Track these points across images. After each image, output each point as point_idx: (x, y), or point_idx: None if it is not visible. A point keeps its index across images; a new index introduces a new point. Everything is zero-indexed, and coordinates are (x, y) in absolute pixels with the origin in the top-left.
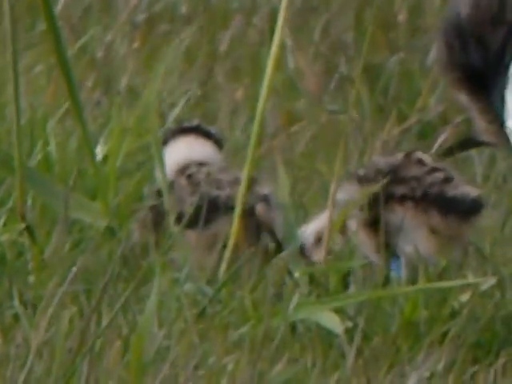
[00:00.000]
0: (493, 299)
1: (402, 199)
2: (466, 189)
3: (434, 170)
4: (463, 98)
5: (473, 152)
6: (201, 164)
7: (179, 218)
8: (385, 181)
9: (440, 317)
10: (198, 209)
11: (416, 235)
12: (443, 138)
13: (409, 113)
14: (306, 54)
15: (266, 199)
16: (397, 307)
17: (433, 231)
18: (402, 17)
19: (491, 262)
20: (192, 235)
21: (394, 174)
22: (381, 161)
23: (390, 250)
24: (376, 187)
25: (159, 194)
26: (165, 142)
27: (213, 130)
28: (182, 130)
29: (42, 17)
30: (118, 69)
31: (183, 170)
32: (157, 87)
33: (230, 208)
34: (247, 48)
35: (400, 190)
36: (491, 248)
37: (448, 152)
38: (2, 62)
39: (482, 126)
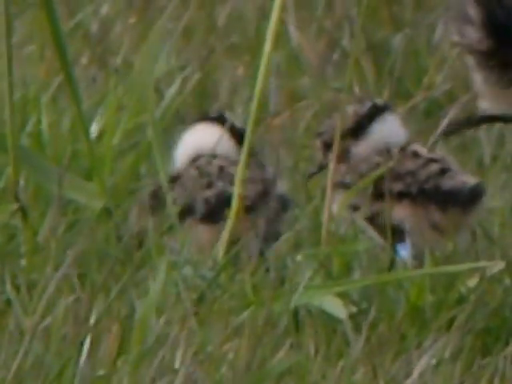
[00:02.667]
0: (502, 284)
1: (400, 196)
2: (462, 178)
3: (429, 161)
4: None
5: (481, 132)
6: (214, 156)
7: (187, 210)
8: (377, 175)
9: (447, 302)
10: (210, 205)
11: (417, 231)
12: (450, 116)
13: (415, 91)
14: (308, 30)
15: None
16: (402, 292)
17: (434, 226)
18: None
19: (500, 245)
20: (204, 230)
21: (390, 169)
22: (362, 166)
23: (395, 234)
24: (369, 180)
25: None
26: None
27: (237, 122)
28: (205, 119)
29: None
30: (114, 45)
31: (195, 159)
32: (152, 64)
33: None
34: (247, 23)
35: (397, 186)
36: (500, 231)
37: (454, 130)
38: None
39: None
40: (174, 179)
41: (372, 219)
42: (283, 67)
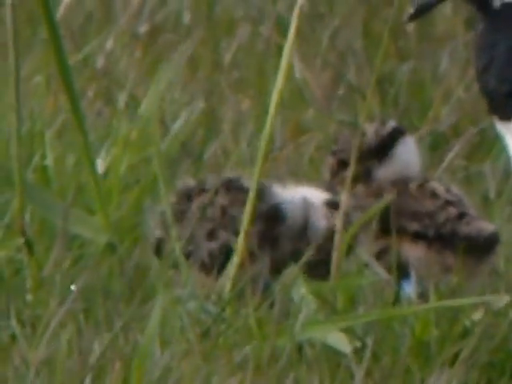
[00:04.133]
0: (507, 318)
1: (415, 237)
2: (480, 225)
3: (448, 203)
4: None
5: (486, 167)
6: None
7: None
8: (391, 198)
9: (451, 336)
10: (214, 257)
11: (429, 273)
12: (456, 149)
13: (420, 124)
14: (313, 63)
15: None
16: (407, 326)
17: (447, 269)
18: (411, 25)
19: (505, 278)
20: (205, 279)
21: (408, 207)
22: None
23: (400, 269)
24: (385, 202)
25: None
26: None
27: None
28: None
29: (42, 25)
30: (120, 79)
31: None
32: (159, 98)
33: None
34: (253, 58)
35: (413, 226)
36: (505, 264)
37: (413, 16)
38: (1, 71)
39: None
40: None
41: (379, 255)
42: (288, 100)
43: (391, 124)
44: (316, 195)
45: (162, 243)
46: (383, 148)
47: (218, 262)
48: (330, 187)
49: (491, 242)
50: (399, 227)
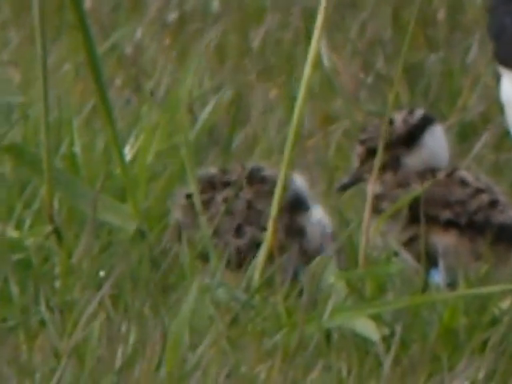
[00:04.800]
0: None
1: (447, 225)
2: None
3: (478, 191)
4: None
5: None
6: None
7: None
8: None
9: (480, 324)
10: (241, 253)
11: (461, 262)
12: (485, 139)
13: (448, 113)
14: (342, 53)
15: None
16: (436, 314)
17: (478, 257)
18: (441, 14)
19: None
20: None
21: (439, 195)
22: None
23: (430, 258)
24: (416, 192)
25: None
26: None
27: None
28: None
29: (70, 12)
30: (148, 67)
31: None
32: (187, 86)
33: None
34: (281, 46)
35: (445, 214)
36: None
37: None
38: (30, 59)
39: None
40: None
41: (408, 243)
42: (316, 89)
43: (420, 112)
44: None
45: (181, 227)
46: (412, 136)
47: (245, 259)
48: (358, 175)
49: None
50: (430, 216)
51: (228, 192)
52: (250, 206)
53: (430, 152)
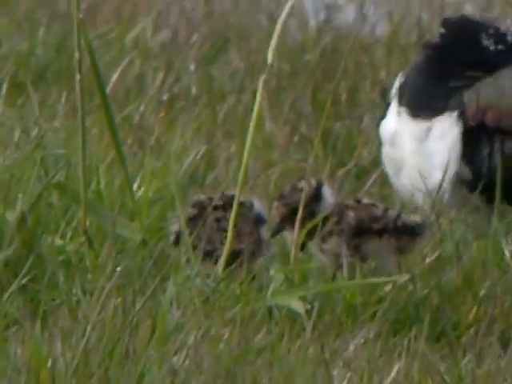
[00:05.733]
0: (406, 290)
1: (380, 232)
2: (413, 218)
3: (386, 208)
4: None
5: (393, 191)
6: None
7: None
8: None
9: (371, 302)
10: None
11: (389, 257)
12: (374, 178)
13: (349, 160)
14: (278, 121)
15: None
16: (341, 295)
17: (400, 252)
18: (343, 96)
19: (405, 263)
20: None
21: (367, 215)
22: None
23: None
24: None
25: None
26: None
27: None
28: None
29: (97, 95)
30: (149, 132)
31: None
32: (175, 144)
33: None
34: (236, 117)
35: (376, 225)
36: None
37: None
38: (73, 124)
39: None
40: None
41: (323, 252)
42: (260, 145)
43: (315, 181)
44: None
45: (179, 237)
46: (318, 195)
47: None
48: (280, 228)
49: (423, 228)
50: (365, 228)
51: (217, 213)
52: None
53: (327, 199)
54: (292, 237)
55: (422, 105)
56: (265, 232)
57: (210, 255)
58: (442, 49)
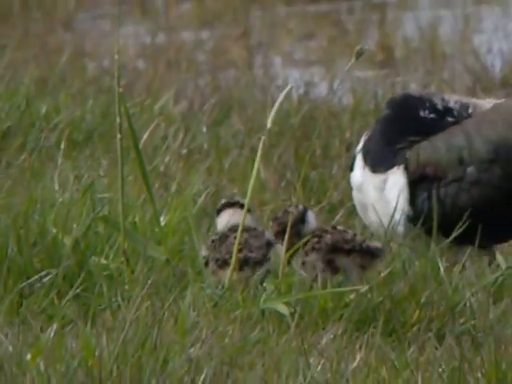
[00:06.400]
0: (366, 297)
1: (349, 252)
2: (375, 244)
3: (354, 235)
4: None
5: (356, 221)
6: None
7: (224, 262)
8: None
9: (339, 306)
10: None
11: (354, 271)
12: (341, 213)
13: (323, 199)
14: (269, 170)
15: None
16: (316, 300)
17: (363, 268)
18: (318, 150)
19: (365, 276)
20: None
21: (339, 238)
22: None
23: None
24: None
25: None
26: (218, 211)
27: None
28: (228, 204)
29: (132, 149)
30: (172, 178)
31: (230, 228)
32: (192, 188)
33: (256, 263)
34: (239, 167)
35: (346, 246)
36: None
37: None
38: (114, 174)
39: None
40: (217, 240)
41: (304, 264)
42: (257, 189)
43: (301, 206)
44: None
45: (207, 260)
46: (303, 218)
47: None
48: (275, 241)
49: (381, 253)
50: (338, 247)
51: (232, 238)
52: (246, 242)
53: (311, 222)
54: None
55: (379, 162)
56: (272, 254)
57: (225, 264)
58: (391, 120)
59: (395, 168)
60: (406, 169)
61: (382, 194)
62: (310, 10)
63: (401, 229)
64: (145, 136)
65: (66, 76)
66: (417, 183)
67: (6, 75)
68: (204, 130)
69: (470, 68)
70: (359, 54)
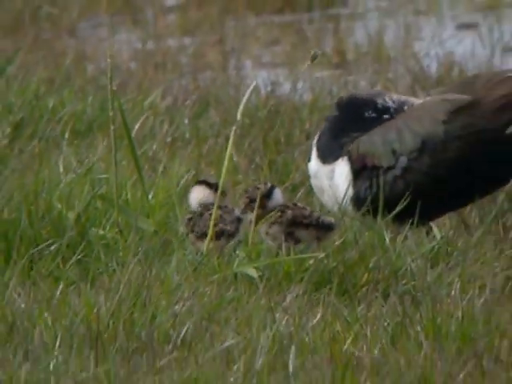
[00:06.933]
0: (323, 262)
1: (307, 226)
2: (328, 219)
3: (312, 211)
4: None
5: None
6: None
7: (203, 234)
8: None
9: (300, 270)
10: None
11: (312, 242)
12: (301, 192)
13: (286, 180)
14: (241, 155)
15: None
16: (281, 266)
17: (318, 239)
18: (282, 139)
19: (324, 246)
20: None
21: (299, 213)
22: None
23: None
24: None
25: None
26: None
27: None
28: (198, 182)
29: (125, 139)
30: (158, 162)
31: (201, 205)
32: (175, 170)
33: (230, 235)
34: (215, 153)
35: (305, 221)
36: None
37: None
38: (109, 159)
39: None
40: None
41: (268, 234)
42: (231, 170)
43: (269, 184)
44: None
45: (185, 231)
46: (269, 193)
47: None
48: (244, 211)
49: (332, 227)
50: (298, 222)
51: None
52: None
53: (276, 198)
54: (252, 219)
55: (328, 155)
56: (242, 227)
57: (204, 235)
58: (338, 119)
59: (340, 160)
60: (349, 159)
61: (331, 182)
62: (275, 20)
63: (349, 209)
64: (136, 127)
65: (70, 76)
66: (359, 171)
67: (19, 75)
68: (186, 121)
69: (411, 69)
70: (314, 58)
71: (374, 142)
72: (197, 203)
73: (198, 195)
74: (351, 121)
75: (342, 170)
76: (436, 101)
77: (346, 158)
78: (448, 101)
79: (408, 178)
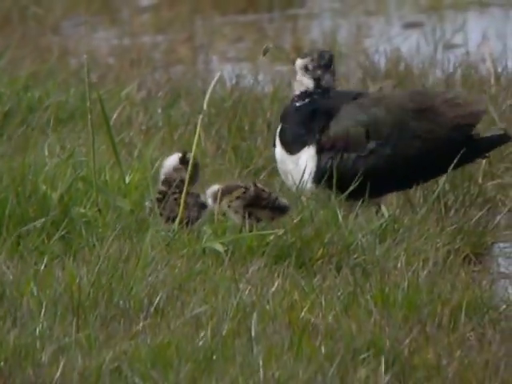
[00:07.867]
0: (282, 238)
1: (264, 207)
2: (284, 202)
3: (270, 194)
4: None
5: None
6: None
7: (168, 218)
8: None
9: (262, 245)
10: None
11: (269, 220)
12: (263, 175)
13: (250, 164)
14: (209, 141)
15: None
16: (245, 241)
17: (272, 219)
18: (246, 127)
19: (283, 222)
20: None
21: (263, 197)
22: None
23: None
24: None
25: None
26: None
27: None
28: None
29: (104, 126)
30: (134, 147)
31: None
32: (149, 155)
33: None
34: (185, 139)
35: (263, 202)
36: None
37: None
38: (88, 144)
39: None
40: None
41: (229, 207)
42: (199, 154)
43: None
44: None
45: (151, 210)
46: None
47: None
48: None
49: (287, 209)
50: (257, 204)
51: (176, 195)
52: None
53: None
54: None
55: (293, 147)
56: (205, 213)
57: (171, 219)
58: (298, 113)
59: (306, 147)
60: (318, 143)
61: (297, 167)
62: (239, 19)
63: (309, 186)
64: (114, 116)
65: (54, 69)
66: (325, 152)
67: (8, 68)
68: (159, 111)
69: (362, 64)
70: (265, 51)
71: (347, 126)
72: (168, 171)
73: (172, 162)
74: (310, 114)
75: (307, 155)
76: (406, 96)
77: (313, 144)
78: (415, 101)
79: (370, 161)
